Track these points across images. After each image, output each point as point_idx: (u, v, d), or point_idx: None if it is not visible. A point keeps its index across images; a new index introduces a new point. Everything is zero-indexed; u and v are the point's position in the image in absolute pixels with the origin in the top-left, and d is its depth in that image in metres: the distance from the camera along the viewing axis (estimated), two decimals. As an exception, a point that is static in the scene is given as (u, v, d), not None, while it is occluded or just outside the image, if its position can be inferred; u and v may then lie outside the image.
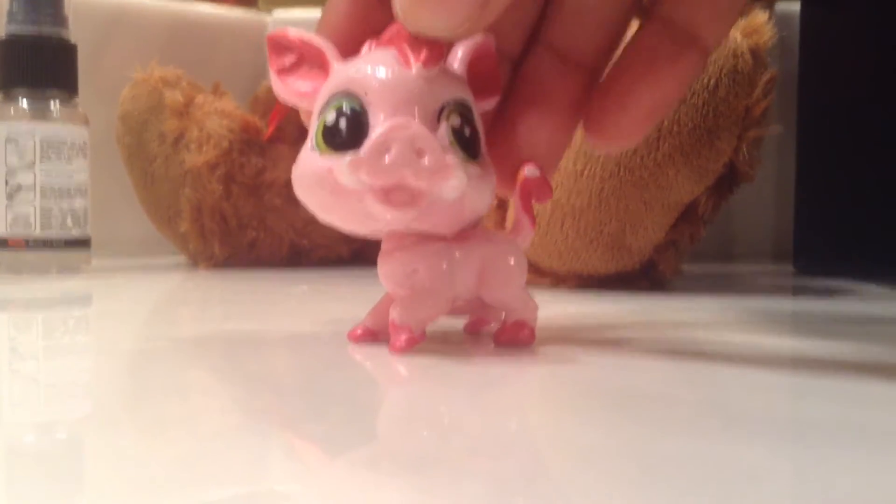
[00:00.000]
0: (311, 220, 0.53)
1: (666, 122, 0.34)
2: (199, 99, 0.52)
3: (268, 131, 0.53)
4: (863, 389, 0.19)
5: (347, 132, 0.20)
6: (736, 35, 0.34)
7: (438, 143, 0.19)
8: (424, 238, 0.22)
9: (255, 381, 0.20)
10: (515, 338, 0.23)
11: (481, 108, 0.22)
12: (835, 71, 0.52)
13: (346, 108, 0.20)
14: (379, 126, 0.19)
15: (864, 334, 0.28)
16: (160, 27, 0.64)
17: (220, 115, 0.52)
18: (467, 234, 0.22)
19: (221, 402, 0.18)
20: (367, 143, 0.19)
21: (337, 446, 0.15)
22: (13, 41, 0.45)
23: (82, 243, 0.47)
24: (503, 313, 0.23)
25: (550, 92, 0.22)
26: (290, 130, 0.55)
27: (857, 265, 0.48)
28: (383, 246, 0.22)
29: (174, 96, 0.51)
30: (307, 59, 0.22)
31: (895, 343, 0.26)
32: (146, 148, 0.52)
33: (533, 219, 0.23)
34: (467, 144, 0.20)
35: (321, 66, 0.21)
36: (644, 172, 0.34)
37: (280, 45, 0.22)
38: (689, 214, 0.37)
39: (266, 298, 0.38)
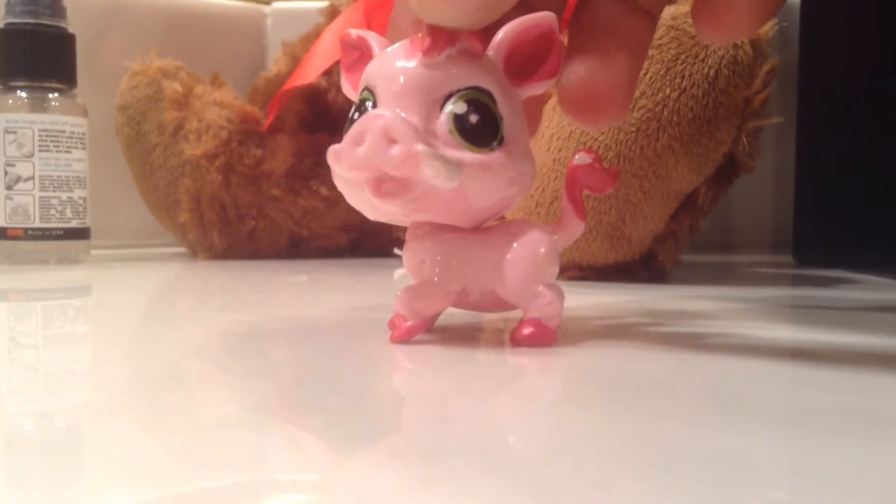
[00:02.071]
0: (310, 210, 0.54)
1: (665, 113, 0.34)
2: (198, 89, 0.52)
3: (267, 121, 0.53)
4: (861, 379, 0.19)
5: None
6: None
7: (413, 132, 0.19)
8: (439, 228, 0.21)
9: (254, 370, 0.20)
10: (532, 338, 0.21)
11: (533, 90, 0.21)
12: (835, 62, 0.52)
13: (363, 101, 0.20)
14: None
15: (863, 324, 0.28)
16: (159, 18, 0.64)
17: (218, 105, 0.52)
18: (491, 226, 0.22)
19: (220, 391, 0.18)
20: (346, 135, 0.19)
21: (336, 436, 0.15)
22: (12, 32, 0.45)
23: (81, 233, 0.47)
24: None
25: (621, 29, 0.21)
26: (290, 120, 0.55)
27: (856, 256, 0.48)
28: (406, 235, 0.22)
29: (173, 87, 0.51)
30: (365, 56, 0.22)
31: (893, 333, 0.26)
32: (145, 138, 0.52)
33: (580, 210, 0.22)
34: (473, 131, 0.20)
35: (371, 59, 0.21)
36: (643, 162, 0.34)
37: (346, 44, 0.22)
38: (688, 205, 0.37)
39: (265, 288, 0.38)
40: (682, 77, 0.34)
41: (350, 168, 0.19)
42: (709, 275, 0.45)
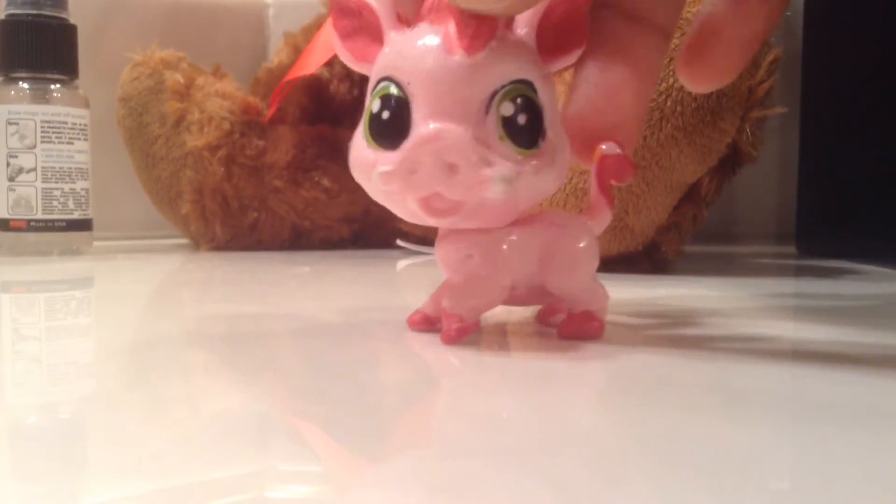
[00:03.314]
0: (312, 202, 0.54)
1: (669, 103, 0.34)
2: (200, 81, 0.52)
3: (269, 113, 0.53)
4: (864, 370, 0.19)
5: (390, 126, 0.19)
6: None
7: (474, 154, 0.18)
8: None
9: (256, 362, 0.20)
10: (581, 330, 0.21)
11: (562, 64, 0.20)
12: (838, 52, 0.52)
13: (390, 96, 0.19)
14: (420, 124, 0.18)
15: (866, 315, 0.28)
16: (160, 9, 0.64)
17: (220, 96, 0.52)
18: (531, 216, 0.21)
19: (223, 383, 0.18)
20: (397, 158, 0.18)
21: (339, 427, 0.15)
22: (13, 23, 0.45)
23: (84, 225, 0.47)
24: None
25: (629, 52, 0.21)
26: (291, 111, 0.55)
27: (860, 246, 0.48)
28: (440, 229, 0.21)
29: (175, 78, 0.51)
30: (367, 23, 0.20)
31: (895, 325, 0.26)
32: (147, 130, 0.52)
33: (611, 200, 0.21)
34: (522, 133, 0.19)
35: (377, 32, 0.20)
36: (647, 153, 0.34)
37: (341, 8, 0.20)
38: (691, 195, 0.37)
39: (268, 280, 0.38)
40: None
41: (403, 192, 0.18)
42: (712, 266, 0.45)
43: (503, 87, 0.18)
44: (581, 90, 0.21)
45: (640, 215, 0.36)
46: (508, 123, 0.18)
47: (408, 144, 0.18)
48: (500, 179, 0.18)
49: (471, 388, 0.18)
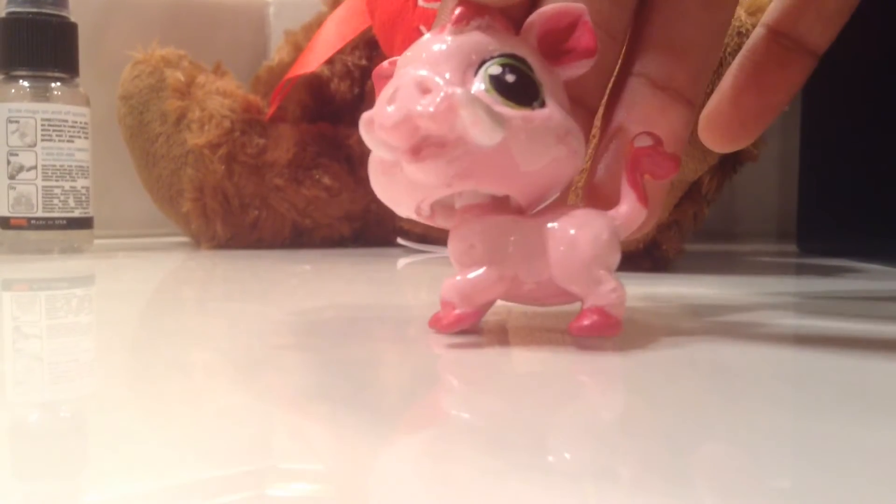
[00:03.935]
0: (313, 200, 0.54)
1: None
2: (201, 79, 0.52)
3: (269, 111, 0.53)
4: (865, 367, 0.19)
5: None
6: (741, 13, 0.34)
7: (447, 81, 0.18)
8: (490, 211, 0.20)
9: (258, 360, 0.20)
10: (594, 327, 0.20)
11: (574, 71, 0.20)
12: (840, 50, 0.52)
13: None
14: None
15: (867, 313, 0.28)
16: (161, 7, 0.64)
17: (221, 94, 0.52)
18: (547, 208, 0.20)
19: (225, 381, 0.18)
20: (380, 95, 0.19)
21: (341, 425, 0.15)
22: (14, 21, 0.45)
23: (84, 223, 0.47)
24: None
25: (656, 122, 0.21)
26: (292, 110, 0.55)
27: (861, 244, 0.48)
28: (455, 220, 0.21)
29: (176, 76, 0.51)
30: None
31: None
32: (148, 128, 0.52)
33: (642, 196, 0.20)
34: (512, 89, 0.19)
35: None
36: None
37: (380, 77, 0.22)
38: (692, 193, 0.37)
39: (268, 278, 0.38)
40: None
41: (383, 130, 0.18)
42: (712, 264, 0.45)
43: (492, 57, 0.19)
44: (606, 159, 0.21)
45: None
46: (496, 80, 0.19)
47: (388, 84, 0.19)
48: (472, 101, 0.17)
49: (473, 384, 0.18)
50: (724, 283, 0.35)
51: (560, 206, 0.21)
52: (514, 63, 0.19)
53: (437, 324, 0.21)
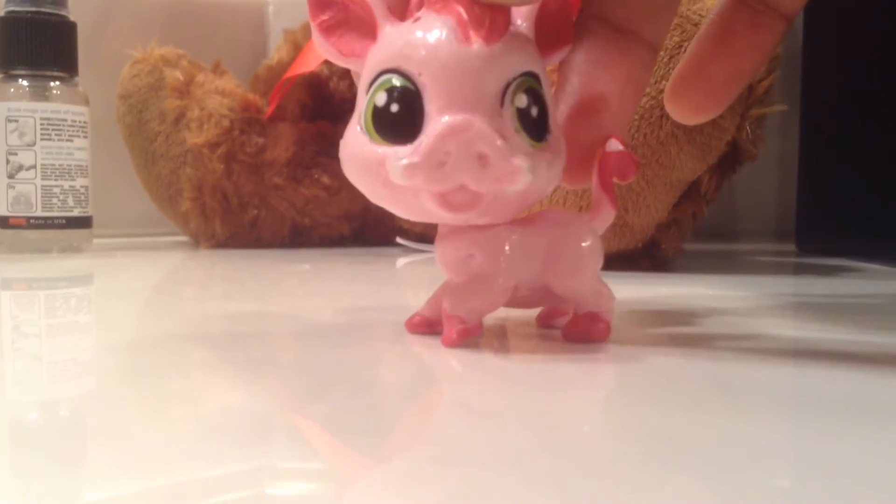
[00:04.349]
0: (312, 199, 0.54)
1: (669, 100, 0.34)
2: (200, 78, 0.52)
3: (268, 110, 0.53)
4: (864, 367, 0.19)
5: (401, 119, 0.18)
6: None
7: (502, 144, 0.17)
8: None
9: (257, 359, 0.20)
10: (587, 332, 0.21)
11: (554, 59, 0.20)
12: (839, 49, 0.52)
13: (397, 88, 0.18)
14: (435, 121, 0.17)
15: (866, 313, 0.28)
16: (160, 6, 0.64)
17: (220, 93, 0.52)
18: (533, 215, 0.20)
19: (223, 380, 0.18)
20: (423, 148, 0.17)
21: (339, 425, 0.15)
22: (13, 20, 0.45)
23: (83, 222, 0.47)
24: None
25: (614, 65, 0.21)
26: (291, 109, 0.55)
27: (860, 244, 0.48)
28: (440, 229, 0.20)
29: (175, 75, 0.51)
30: (352, 14, 0.19)
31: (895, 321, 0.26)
32: (147, 127, 0.52)
33: (614, 199, 0.21)
34: (534, 126, 0.18)
35: (369, 24, 0.19)
36: (647, 150, 0.34)
37: (321, 1, 0.19)
38: (691, 193, 0.37)
39: (268, 277, 0.38)
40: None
41: (430, 184, 0.17)
42: (711, 263, 0.45)
43: (515, 78, 0.18)
44: (564, 103, 0.21)
45: (639, 213, 0.36)
46: (522, 115, 0.18)
47: (433, 134, 0.17)
48: (529, 170, 0.17)
49: (471, 386, 0.18)
50: (723, 283, 0.35)
51: (546, 213, 0.21)
52: (532, 85, 0.18)
53: (445, 339, 0.20)
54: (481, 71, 0.18)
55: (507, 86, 0.18)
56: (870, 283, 0.37)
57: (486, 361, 0.19)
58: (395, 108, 0.18)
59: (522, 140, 0.18)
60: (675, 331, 0.23)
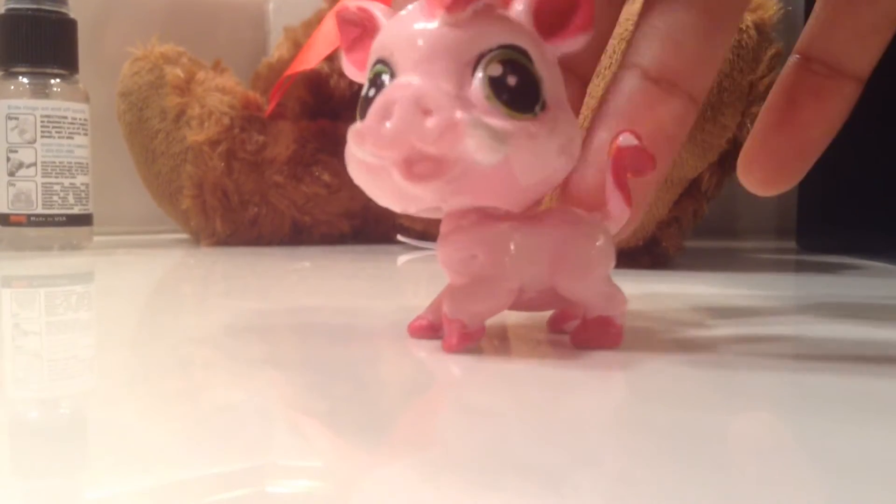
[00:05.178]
0: (313, 197, 0.54)
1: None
2: (200, 75, 0.52)
3: (269, 107, 0.53)
4: (864, 365, 0.19)
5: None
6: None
7: (448, 100, 0.16)
8: (486, 218, 0.19)
9: (257, 357, 0.20)
10: (598, 338, 0.20)
11: (569, 47, 0.19)
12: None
13: (377, 76, 0.18)
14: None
15: (866, 310, 0.28)
16: (161, 4, 0.64)
17: (221, 91, 0.52)
18: (541, 213, 0.19)
19: (224, 378, 0.18)
20: (369, 111, 0.17)
21: (340, 423, 0.15)
22: (13, 17, 0.45)
23: (84, 220, 0.47)
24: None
25: (645, 120, 0.19)
26: (292, 107, 0.55)
27: (860, 242, 0.48)
28: (442, 228, 0.19)
29: (175, 73, 0.51)
30: (369, 30, 0.19)
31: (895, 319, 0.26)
32: (147, 125, 0.52)
33: (628, 196, 0.19)
34: (514, 95, 0.17)
35: (377, 33, 0.19)
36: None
37: (345, 21, 0.20)
38: (692, 191, 0.37)
39: (268, 275, 0.38)
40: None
41: (377, 147, 0.17)
42: (712, 261, 0.45)
43: (491, 50, 0.17)
44: (590, 159, 0.20)
45: (640, 210, 0.36)
46: (496, 84, 0.17)
47: (382, 93, 0.17)
48: (477, 125, 0.16)
49: (471, 385, 0.18)
50: (725, 281, 0.35)
51: (554, 210, 0.20)
52: (514, 57, 0.18)
53: (445, 345, 0.19)
54: (444, 39, 0.17)
55: (480, 58, 0.17)
56: (870, 281, 0.37)
57: (486, 359, 0.19)
58: (371, 93, 0.18)
59: (496, 107, 0.17)
60: (676, 329, 0.23)
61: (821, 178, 0.53)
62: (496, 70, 0.17)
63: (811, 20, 0.21)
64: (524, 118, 0.17)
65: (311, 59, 0.51)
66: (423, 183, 0.17)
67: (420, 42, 0.17)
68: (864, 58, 0.20)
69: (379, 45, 0.18)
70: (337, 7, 0.20)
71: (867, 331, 0.24)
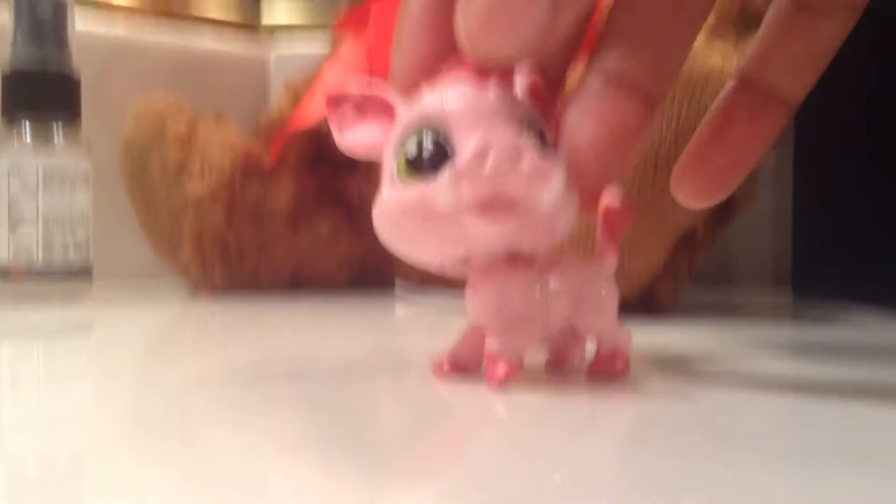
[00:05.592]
0: (312, 248, 0.54)
1: (662, 153, 0.34)
2: (202, 128, 0.53)
3: (270, 160, 0.53)
4: (861, 414, 0.19)
5: (434, 156, 0.19)
6: (733, 63, 0.35)
7: (536, 148, 0.19)
8: (512, 266, 0.21)
9: (256, 406, 0.20)
10: (610, 369, 0.22)
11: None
12: (831, 93, 0.52)
13: (425, 137, 0.19)
14: (466, 141, 0.19)
15: (863, 359, 0.28)
16: (163, 57, 0.65)
17: (222, 144, 0.52)
18: (554, 262, 0.22)
19: (222, 427, 0.18)
20: (466, 153, 0.19)
21: (339, 472, 0.15)
22: (16, 71, 0.46)
23: (84, 272, 0.47)
24: (585, 346, 0.23)
25: (603, 116, 0.20)
26: (292, 159, 0.55)
27: (856, 289, 0.48)
28: (470, 276, 0.21)
29: (177, 126, 0.52)
30: (369, 109, 0.21)
31: (894, 368, 0.26)
32: (148, 177, 0.52)
33: (617, 248, 0.23)
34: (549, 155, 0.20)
35: (385, 112, 0.21)
36: (641, 200, 0.35)
37: (337, 101, 0.21)
38: (687, 242, 0.37)
39: (267, 324, 0.38)
40: (678, 118, 0.34)
41: (475, 186, 0.18)
42: (707, 311, 0.45)
43: (527, 122, 0.20)
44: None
45: (636, 261, 0.36)
46: (541, 138, 0.20)
47: (474, 140, 0.19)
48: (560, 172, 0.19)
49: (471, 434, 0.18)
50: (720, 330, 0.36)
51: (563, 260, 0.22)
52: (542, 131, 0.20)
53: (493, 381, 0.21)
54: (499, 108, 0.19)
55: (522, 122, 0.19)
56: (866, 329, 0.37)
57: (487, 407, 0.19)
58: (427, 146, 0.19)
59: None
60: (671, 379, 0.23)
61: (815, 225, 0.54)
62: (537, 136, 0.19)
63: (753, 45, 0.22)
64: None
65: (312, 115, 0.52)
66: (499, 223, 0.19)
67: (479, 109, 0.19)
68: (796, 86, 0.22)
69: (420, 114, 0.20)
70: (328, 89, 0.21)
71: (863, 380, 0.24)
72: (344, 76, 0.52)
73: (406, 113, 0.20)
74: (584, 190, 0.21)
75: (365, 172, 0.56)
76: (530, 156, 0.18)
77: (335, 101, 0.21)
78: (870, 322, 0.40)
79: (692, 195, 0.23)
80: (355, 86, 0.21)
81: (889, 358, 0.29)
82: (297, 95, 0.59)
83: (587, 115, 0.20)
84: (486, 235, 0.19)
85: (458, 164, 0.19)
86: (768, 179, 0.62)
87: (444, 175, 0.19)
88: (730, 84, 0.22)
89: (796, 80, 0.22)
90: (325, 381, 0.23)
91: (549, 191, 0.19)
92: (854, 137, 0.50)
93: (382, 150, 0.21)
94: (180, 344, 0.34)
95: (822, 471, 0.15)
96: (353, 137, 0.21)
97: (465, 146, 0.19)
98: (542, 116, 0.21)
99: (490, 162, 0.18)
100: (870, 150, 0.49)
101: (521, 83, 0.20)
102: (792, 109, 0.22)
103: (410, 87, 0.21)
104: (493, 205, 0.19)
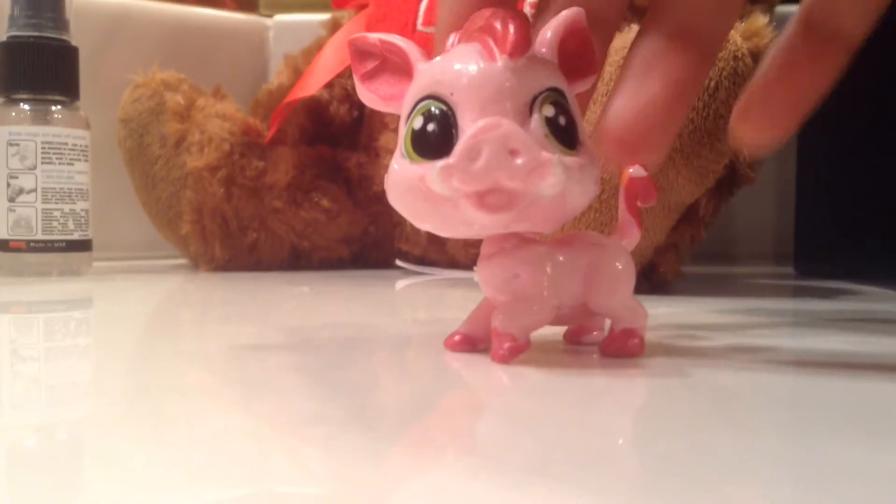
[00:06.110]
0: (311, 222, 0.54)
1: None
2: (201, 102, 0.53)
3: (269, 134, 0.53)
4: (863, 389, 0.19)
5: (437, 137, 0.19)
6: (736, 38, 0.34)
7: (532, 140, 0.18)
8: (525, 241, 0.21)
9: (255, 382, 0.20)
10: (623, 347, 0.22)
11: (576, 89, 0.21)
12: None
13: (433, 111, 0.19)
14: (468, 128, 0.19)
15: (864, 335, 0.28)
16: (162, 31, 0.65)
17: (221, 117, 0.52)
18: (570, 237, 0.22)
19: (222, 403, 0.18)
20: (457, 149, 0.18)
21: (337, 448, 0.15)
22: (14, 45, 0.45)
23: (83, 245, 0.47)
24: (606, 322, 0.23)
25: (664, 69, 0.21)
26: (291, 133, 0.55)
27: (858, 266, 0.48)
28: (483, 250, 0.21)
29: (175, 99, 0.52)
30: (390, 63, 0.21)
31: (894, 343, 0.26)
32: (147, 151, 0.52)
33: (640, 221, 0.22)
34: (564, 134, 0.19)
35: (405, 68, 0.21)
36: (644, 174, 0.34)
37: (361, 50, 0.21)
38: (689, 216, 0.37)
39: (267, 300, 0.38)
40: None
41: (464, 183, 0.18)
42: (710, 286, 0.45)
43: (541, 92, 0.19)
44: (615, 102, 0.21)
45: (638, 236, 0.36)
46: (551, 123, 0.19)
47: (467, 134, 0.18)
48: (559, 164, 0.18)
49: (472, 409, 0.18)
50: (722, 306, 0.35)
51: (581, 234, 0.22)
52: (559, 99, 0.19)
53: (496, 356, 0.21)
54: (508, 84, 0.19)
55: (535, 99, 0.19)
56: (867, 306, 0.37)
57: (486, 380, 0.19)
58: (431, 128, 0.19)
59: (553, 144, 0.19)
60: (674, 354, 0.23)
61: (818, 202, 0.53)
62: (549, 111, 0.19)
63: None
64: (572, 154, 0.19)
65: (311, 86, 0.51)
66: (495, 213, 0.19)
67: (485, 84, 0.19)
68: (859, 27, 0.22)
69: (429, 84, 0.20)
70: (350, 37, 0.21)
71: (865, 355, 0.24)
72: (343, 51, 0.51)
73: (423, 75, 0.20)
74: (639, 149, 0.20)
75: (364, 146, 0.55)
76: (526, 150, 0.18)
77: (359, 51, 0.21)
78: (871, 299, 0.40)
79: (756, 130, 0.23)
80: (377, 37, 0.21)
81: (890, 334, 0.29)
82: (296, 68, 0.58)
83: (650, 72, 0.20)
84: (484, 223, 0.19)
85: (451, 157, 0.18)
86: (772, 156, 0.61)
87: (437, 166, 0.18)
88: (790, 27, 0.23)
89: (860, 21, 0.22)
90: (325, 357, 0.23)
91: (548, 182, 0.18)
92: (858, 115, 0.49)
93: (400, 105, 0.21)
94: (180, 319, 0.34)
95: (824, 442, 0.14)
96: (374, 88, 0.21)
97: (464, 132, 0.19)
98: (572, 70, 0.20)
99: (482, 161, 0.18)
100: (873, 127, 0.48)
101: (553, 33, 0.20)
102: (853, 48, 0.22)
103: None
104: (490, 195, 0.19)
